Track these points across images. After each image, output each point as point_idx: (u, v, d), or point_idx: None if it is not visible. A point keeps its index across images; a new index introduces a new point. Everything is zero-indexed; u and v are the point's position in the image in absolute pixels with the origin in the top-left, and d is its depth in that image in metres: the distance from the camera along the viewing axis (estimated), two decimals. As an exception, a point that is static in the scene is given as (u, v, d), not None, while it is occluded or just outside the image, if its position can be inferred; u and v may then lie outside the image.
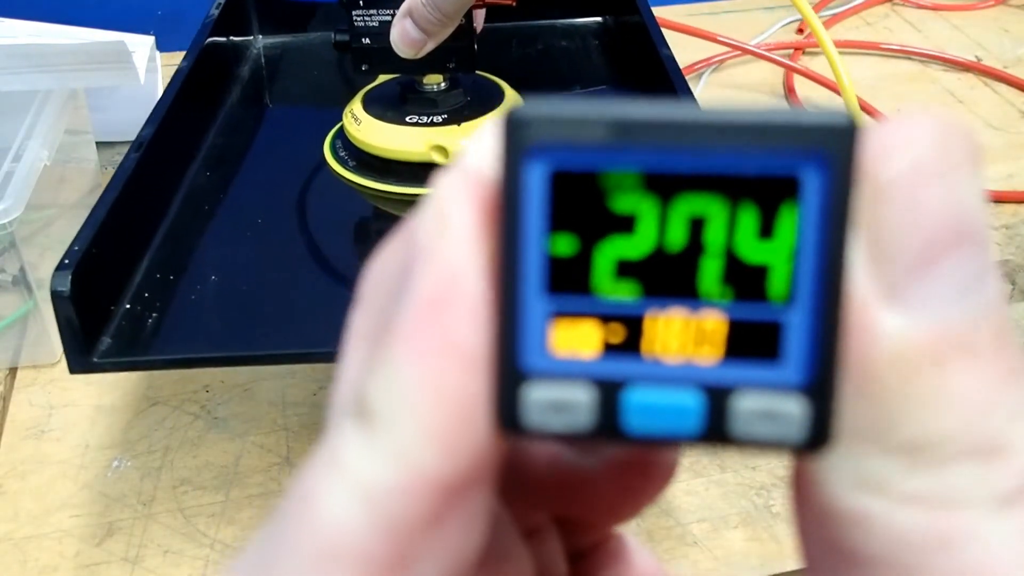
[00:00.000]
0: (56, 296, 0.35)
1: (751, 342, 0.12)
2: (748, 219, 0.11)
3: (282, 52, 0.64)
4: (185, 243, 0.45)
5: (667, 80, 0.51)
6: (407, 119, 0.50)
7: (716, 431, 0.12)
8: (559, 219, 0.12)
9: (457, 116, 0.50)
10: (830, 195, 0.11)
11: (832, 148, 0.11)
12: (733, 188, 0.11)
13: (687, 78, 0.78)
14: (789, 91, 0.76)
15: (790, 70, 0.76)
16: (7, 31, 0.62)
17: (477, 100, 0.52)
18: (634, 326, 0.12)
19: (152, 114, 0.48)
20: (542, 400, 0.12)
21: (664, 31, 0.56)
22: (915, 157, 0.11)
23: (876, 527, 0.11)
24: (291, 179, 0.51)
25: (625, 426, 0.12)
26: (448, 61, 0.50)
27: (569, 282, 0.12)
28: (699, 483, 0.46)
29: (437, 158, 0.49)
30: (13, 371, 0.53)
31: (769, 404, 0.12)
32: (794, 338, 0.12)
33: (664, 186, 0.11)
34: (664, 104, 0.12)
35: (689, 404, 0.12)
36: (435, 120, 0.50)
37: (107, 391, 0.51)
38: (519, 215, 0.12)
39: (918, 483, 0.11)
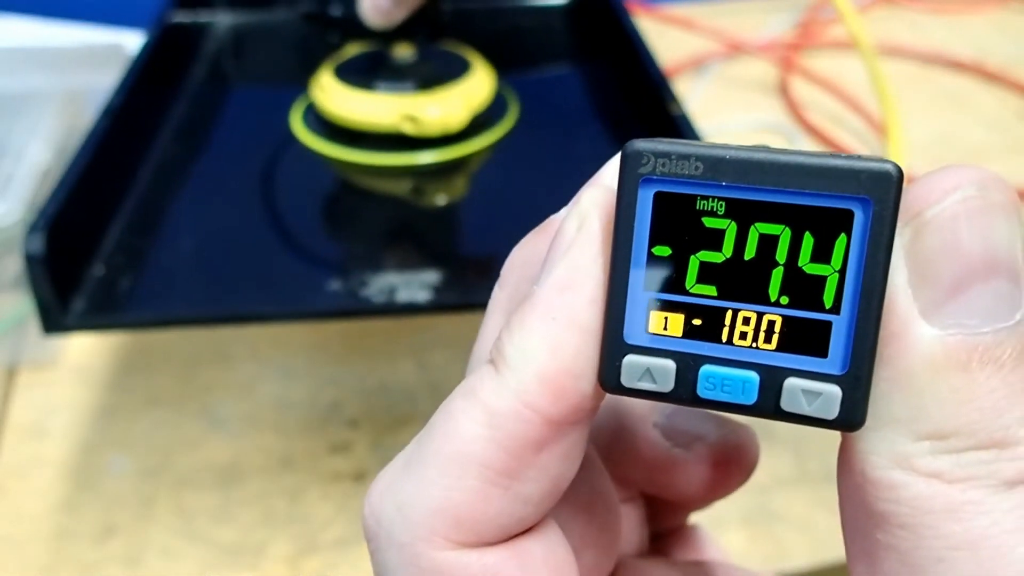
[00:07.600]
0: (29, 257, 0.35)
1: (803, 338, 0.15)
2: (808, 242, 0.14)
3: (244, 29, 0.64)
4: (156, 209, 0.45)
5: (635, 55, 0.51)
6: (377, 89, 0.50)
7: (768, 404, 0.15)
8: (661, 231, 0.15)
9: (427, 86, 0.50)
10: (874, 230, 0.14)
11: (877, 193, 0.14)
12: (798, 217, 0.14)
13: (684, 75, 0.78)
14: (783, 90, 0.76)
15: (784, 69, 0.76)
16: (7, 31, 0.62)
17: (445, 70, 0.52)
18: (713, 318, 0.15)
19: (120, 84, 0.47)
20: (637, 367, 0.15)
21: (657, 26, 0.56)
22: (957, 199, 0.14)
23: (902, 494, 0.14)
24: (260, 150, 0.51)
25: (697, 392, 0.15)
26: (417, 30, 0.50)
27: (666, 280, 0.15)
28: (699, 483, 0.46)
29: (407, 128, 0.48)
30: (13, 371, 0.53)
31: (812, 388, 0.14)
32: (837, 338, 0.14)
33: (744, 212, 0.15)
34: (748, 148, 0.15)
35: (749, 380, 0.15)
36: (405, 90, 0.50)
37: (107, 391, 0.51)
38: (632, 226, 0.15)
39: (939, 463, 0.14)
